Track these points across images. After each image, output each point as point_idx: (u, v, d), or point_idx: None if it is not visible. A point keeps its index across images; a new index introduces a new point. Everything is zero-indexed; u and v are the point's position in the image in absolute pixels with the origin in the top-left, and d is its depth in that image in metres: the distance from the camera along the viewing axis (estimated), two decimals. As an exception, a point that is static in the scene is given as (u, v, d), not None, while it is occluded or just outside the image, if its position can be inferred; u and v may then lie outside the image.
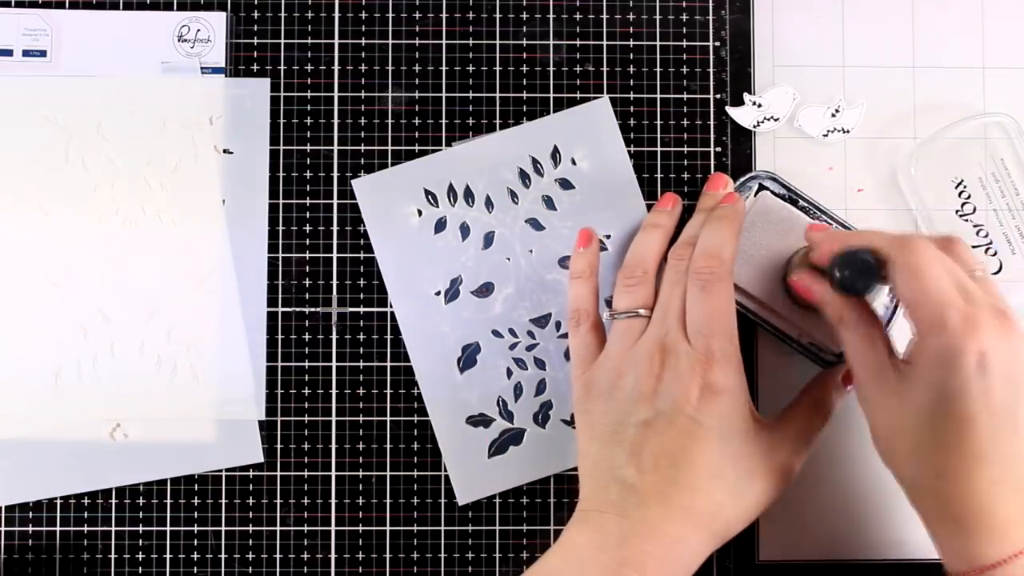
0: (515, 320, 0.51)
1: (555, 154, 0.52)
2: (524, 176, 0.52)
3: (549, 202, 0.51)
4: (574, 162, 0.52)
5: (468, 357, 0.51)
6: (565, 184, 0.51)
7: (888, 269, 0.41)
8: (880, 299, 0.48)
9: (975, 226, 0.52)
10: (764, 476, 0.44)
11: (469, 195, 0.51)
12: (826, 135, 0.52)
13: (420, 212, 0.51)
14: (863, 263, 0.41)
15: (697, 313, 0.44)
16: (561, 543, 0.44)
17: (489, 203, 0.51)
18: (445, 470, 0.51)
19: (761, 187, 0.50)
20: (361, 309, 0.52)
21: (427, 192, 0.51)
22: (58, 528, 0.51)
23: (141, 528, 0.51)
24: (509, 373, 0.51)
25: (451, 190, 0.51)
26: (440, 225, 0.51)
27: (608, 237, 0.51)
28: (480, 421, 0.51)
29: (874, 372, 0.42)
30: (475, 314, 0.51)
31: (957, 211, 0.52)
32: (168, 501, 0.51)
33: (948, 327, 0.38)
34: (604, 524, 0.42)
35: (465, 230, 0.51)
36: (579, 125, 0.52)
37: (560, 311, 0.51)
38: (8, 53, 0.51)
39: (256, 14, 0.52)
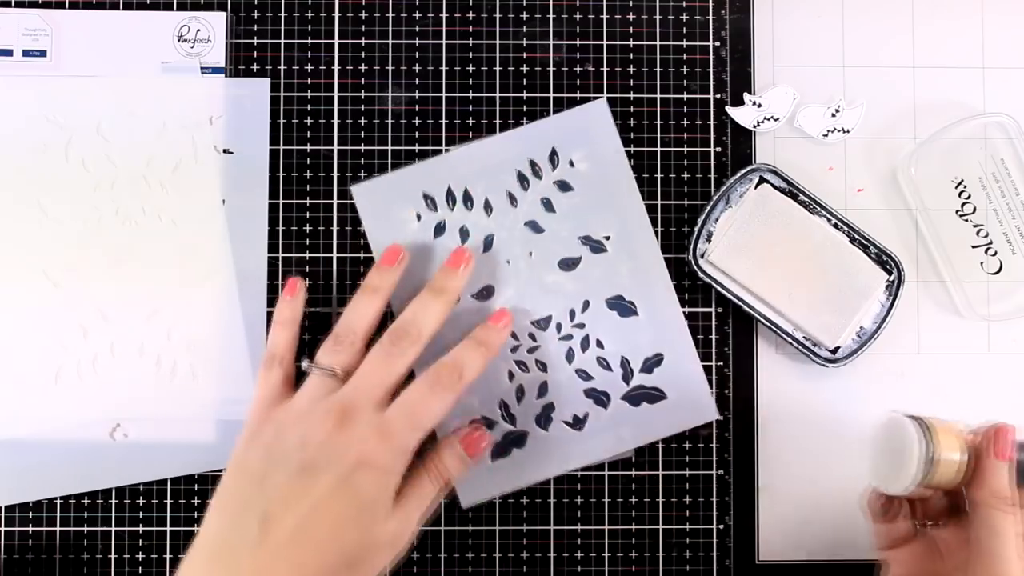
0: (516, 323, 0.51)
1: (553, 156, 0.51)
2: (523, 179, 0.51)
3: (548, 204, 0.51)
4: (572, 164, 0.51)
5: (468, 358, 0.51)
6: (564, 186, 0.51)
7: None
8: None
9: (975, 226, 0.52)
10: (382, 553, 0.44)
11: (468, 199, 0.51)
12: (826, 135, 0.52)
13: (419, 217, 0.51)
14: None
15: (415, 401, 0.45)
16: None
17: (488, 206, 0.51)
18: (445, 470, 0.51)
19: (761, 180, 0.50)
20: (361, 309, 0.51)
21: (426, 196, 0.51)
22: (58, 528, 0.51)
23: (141, 528, 0.51)
24: (511, 376, 0.51)
25: (450, 194, 0.51)
26: (439, 229, 0.51)
27: (608, 238, 0.51)
28: (483, 424, 0.51)
29: None
30: (476, 317, 0.51)
31: (957, 211, 0.52)
32: (168, 501, 0.51)
33: None
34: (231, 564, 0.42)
35: (464, 234, 0.51)
36: (576, 127, 0.52)
37: (561, 312, 0.51)
38: (8, 53, 0.51)
39: (256, 14, 0.52)
